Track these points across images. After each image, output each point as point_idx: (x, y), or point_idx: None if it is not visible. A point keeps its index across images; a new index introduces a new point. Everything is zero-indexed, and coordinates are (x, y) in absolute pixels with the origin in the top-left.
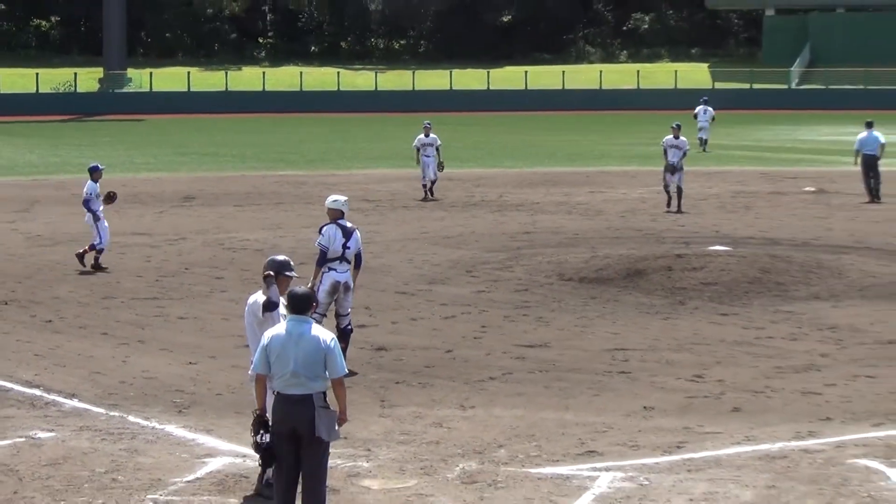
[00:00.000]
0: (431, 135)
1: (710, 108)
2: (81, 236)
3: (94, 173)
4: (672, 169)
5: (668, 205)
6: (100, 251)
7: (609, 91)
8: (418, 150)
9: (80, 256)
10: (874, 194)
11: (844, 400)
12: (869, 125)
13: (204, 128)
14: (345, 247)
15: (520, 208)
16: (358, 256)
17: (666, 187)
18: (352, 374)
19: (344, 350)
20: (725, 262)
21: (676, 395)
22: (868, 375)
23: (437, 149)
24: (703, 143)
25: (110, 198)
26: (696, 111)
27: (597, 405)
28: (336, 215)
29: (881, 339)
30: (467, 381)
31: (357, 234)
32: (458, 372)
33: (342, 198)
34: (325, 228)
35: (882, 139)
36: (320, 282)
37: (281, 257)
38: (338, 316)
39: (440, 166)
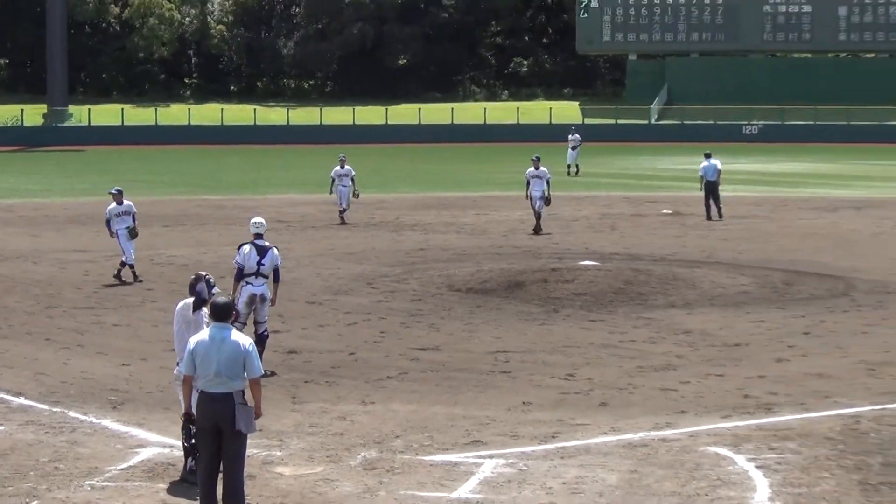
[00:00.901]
0: (346, 166)
1: (577, 136)
2: (27, 253)
3: (117, 196)
4: (537, 196)
5: (535, 229)
6: (129, 265)
7: (492, 126)
8: (334, 180)
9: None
10: (718, 214)
11: (697, 395)
12: (707, 155)
13: (137, 157)
14: (259, 263)
15: (414, 228)
16: (276, 272)
17: (537, 213)
18: (268, 374)
19: (261, 353)
20: (594, 275)
21: (551, 392)
22: (717, 374)
23: (352, 179)
24: (574, 168)
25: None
26: (569, 139)
27: (482, 401)
28: (255, 235)
29: (728, 342)
30: (368, 380)
31: (273, 251)
32: (360, 372)
33: (259, 220)
34: (241, 247)
35: (719, 166)
36: (239, 294)
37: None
38: (256, 323)
39: (355, 194)
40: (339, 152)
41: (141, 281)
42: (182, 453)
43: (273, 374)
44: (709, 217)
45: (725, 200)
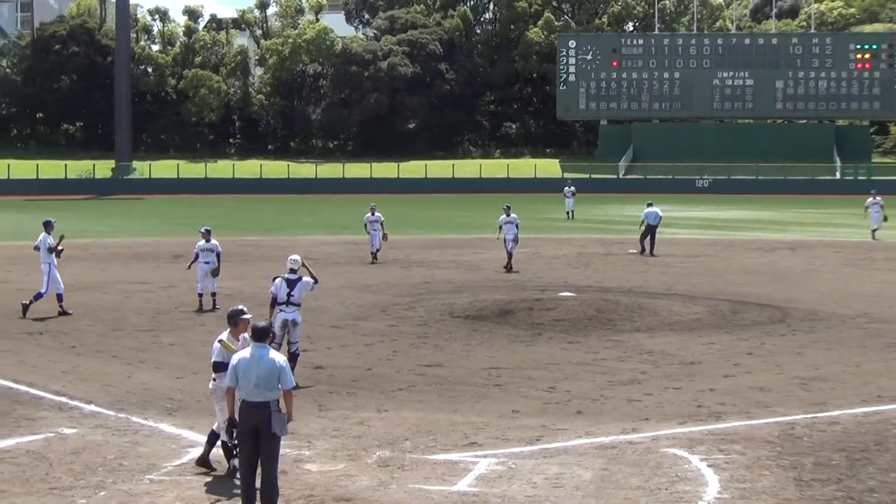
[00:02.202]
0: (377, 213)
1: (573, 188)
2: (97, 285)
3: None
4: (510, 239)
5: (507, 266)
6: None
7: (486, 179)
8: (366, 225)
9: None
10: (650, 251)
11: (658, 405)
12: (650, 204)
13: (188, 205)
14: (289, 294)
15: (421, 265)
16: (311, 285)
17: (508, 253)
18: (298, 387)
19: (293, 368)
20: (571, 304)
21: (536, 402)
22: (675, 387)
23: (381, 224)
24: (570, 214)
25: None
26: (564, 191)
27: (477, 409)
28: (290, 270)
29: (685, 360)
30: (382, 391)
31: (303, 280)
32: (376, 384)
33: (295, 257)
34: (275, 280)
35: (660, 213)
36: (275, 319)
37: (239, 307)
38: (289, 343)
39: (384, 237)
40: (362, 201)
41: (215, 309)
42: (222, 452)
43: (298, 386)
44: (642, 251)
45: (682, 242)
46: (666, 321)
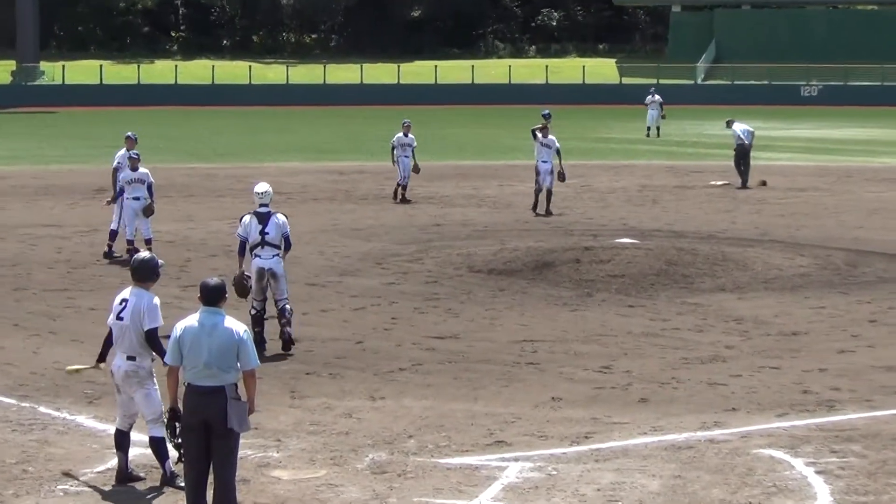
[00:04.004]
0: (410, 134)
1: (658, 97)
2: None
3: (127, 141)
4: (544, 170)
5: (536, 206)
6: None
7: (518, 86)
8: (395, 148)
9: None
10: (743, 180)
11: (749, 391)
12: (731, 122)
13: (116, 121)
14: (262, 232)
15: (430, 201)
16: (287, 240)
17: (537, 191)
18: (286, 354)
19: (288, 325)
20: (632, 254)
21: (584, 386)
22: (772, 366)
23: (413, 150)
24: (653, 131)
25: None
26: (646, 100)
27: (505, 396)
28: (259, 205)
29: (785, 330)
30: (377, 372)
31: (276, 218)
32: (368, 363)
33: (264, 188)
34: (242, 218)
35: (752, 130)
36: (248, 269)
37: (143, 255)
38: (276, 301)
39: (415, 168)
40: (351, 116)
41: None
42: (153, 454)
43: (289, 354)
44: (743, 183)
45: (782, 170)
46: (760, 277)
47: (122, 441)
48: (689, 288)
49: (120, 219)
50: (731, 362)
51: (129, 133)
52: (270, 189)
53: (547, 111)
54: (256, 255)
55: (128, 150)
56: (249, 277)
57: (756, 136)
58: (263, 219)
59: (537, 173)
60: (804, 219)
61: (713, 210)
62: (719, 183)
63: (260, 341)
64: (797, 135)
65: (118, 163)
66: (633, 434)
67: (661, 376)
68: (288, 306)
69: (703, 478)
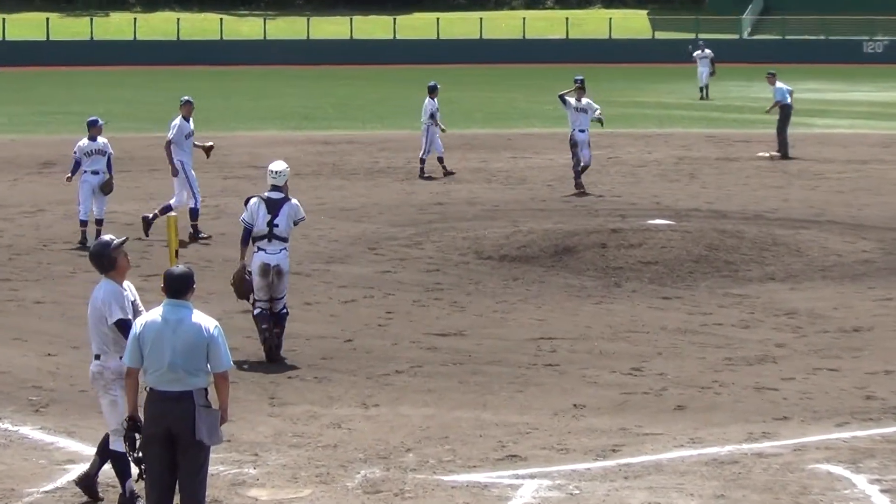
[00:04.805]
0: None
1: (708, 51)
2: None
3: (92, 129)
4: (582, 140)
5: (578, 186)
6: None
7: (534, 41)
8: (430, 115)
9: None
10: (783, 149)
11: (804, 396)
12: (771, 75)
13: (66, 82)
14: (271, 223)
15: (432, 177)
16: (297, 224)
17: (576, 165)
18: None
19: (279, 335)
20: (667, 237)
21: (611, 391)
22: (830, 368)
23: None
24: (705, 90)
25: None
26: (695, 56)
27: (519, 403)
28: (271, 187)
29: (845, 326)
30: (370, 375)
31: (289, 206)
32: (360, 365)
33: (279, 167)
34: (249, 202)
35: (789, 90)
36: (252, 262)
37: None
38: (271, 300)
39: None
40: (340, 77)
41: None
42: (113, 470)
43: (287, 359)
44: (782, 153)
45: (842, 140)
46: (816, 264)
47: (103, 446)
48: (733, 277)
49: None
50: (782, 363)
51: (187, 97)
52: (287, 168)
53: (580, 77)
54: (260, 249)
55: (185, 116)
56: (251, 273)
57: (811, 101)
58: (274, 206)
59: (573, 145)
60: (867, 196)
61: (761, 186)
62: (768, 154)
63: (270, 339)
64: (858, 98)
65: (174, 135)
66: (667, 447)
67: (700, 380)
68: (286, 310)
69: (749, 497)
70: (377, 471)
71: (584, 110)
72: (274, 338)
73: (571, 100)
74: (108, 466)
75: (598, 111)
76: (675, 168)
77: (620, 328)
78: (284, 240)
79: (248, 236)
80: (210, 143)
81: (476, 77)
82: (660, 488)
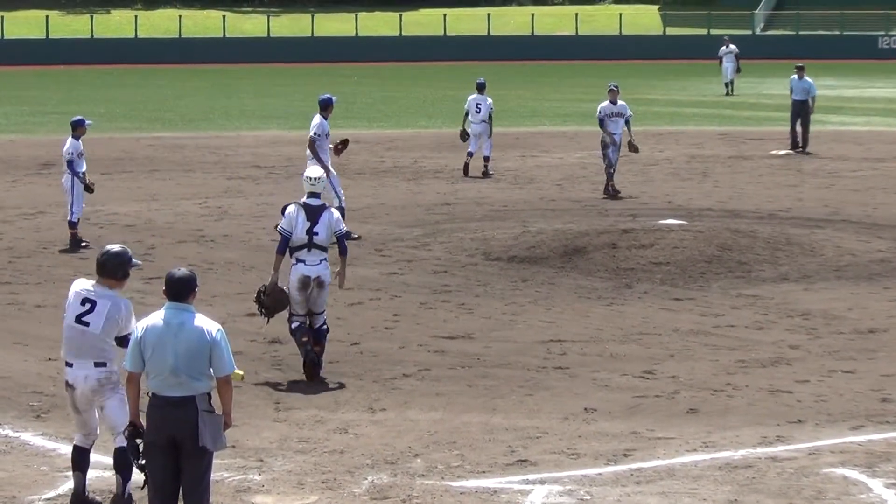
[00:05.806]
0: (485, 92)
1: (733, 46)
2: None
3: (78, 129)
4: (612, 144)
5: (609, 188)
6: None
7: (542, 38)
8: (468, 114)
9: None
10: (802, 143)
11: (818, 399)
12: (800, 69)
13: (65, 82)
14: (311, 232)
15: (438, 175)
16: (340, 241)
17: (608, 168)
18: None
19: (320, 354)
20: (679, 237)
21: (622, 395)
22: (846, 370)
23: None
24: (729, 85)
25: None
26: (720, 52)
27: (529, 407)
28: (308, 194)
29: (860, 327)
30: (377, 378)
31: (328, 213)
32: (367, 368)
33: (316, 173)
34: (287, 209)
35: (813, 85)
36: (290, 275)
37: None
38: (310, 315)
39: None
40: (342, 75)
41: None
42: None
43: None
44: (795, 146)
45: (857, 137)
46: (830, 264)
47: (80, 460)
48: (746, 277)
49: (73, 198)
50: (796, 365)
51: (329, 95)
52: (322, 174)
53: (614, 83)
54: (299, 260)
55: (325, 116)
56: (282, 290)
57: (826, 97)
58: (314, 214)
59: (605, 146)
60: (883, 195)
61: (775, 185)
62: (782, 152)
63: (310, 356)
64: (874, 94)
65: (316, 133)
66: (680, 451)
67: (713, 382)
68: (326, 327)
69: (763, 502)
70: (384, 476)
71: (619, 113)
72: (314, 355)
73: (605, 103)
74: (97, 473)
75: (629, 115)
76: (687, 167)
77: (632, 330)
78: (324, 249)
79: (285, 245)
80: (343, 140)
81: (484, 74)
82: (672, 493)
